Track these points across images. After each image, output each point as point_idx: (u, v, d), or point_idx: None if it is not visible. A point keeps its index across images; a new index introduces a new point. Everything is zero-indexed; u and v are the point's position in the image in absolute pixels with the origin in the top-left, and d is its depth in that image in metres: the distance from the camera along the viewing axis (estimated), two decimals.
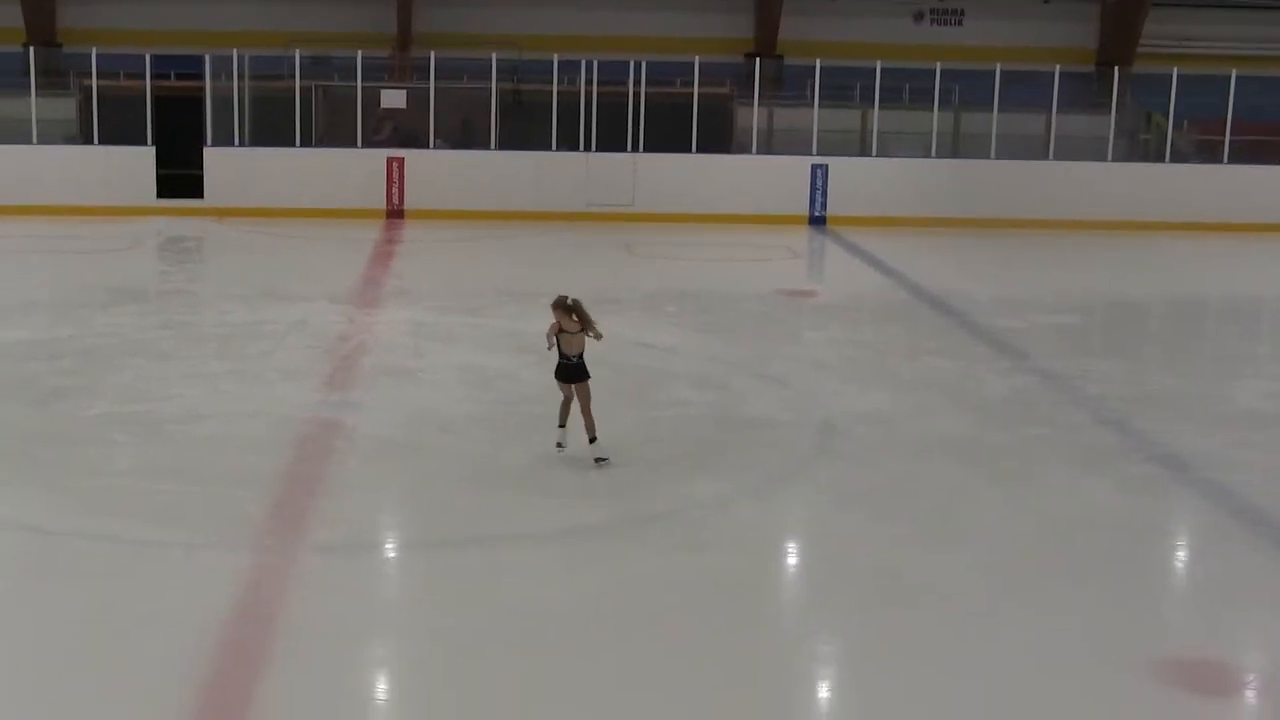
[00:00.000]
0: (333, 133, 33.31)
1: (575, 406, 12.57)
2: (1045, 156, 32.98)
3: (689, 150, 32.18)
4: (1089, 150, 33.09)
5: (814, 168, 32.03)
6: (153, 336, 18.27)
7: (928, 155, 33.08)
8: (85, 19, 36.25)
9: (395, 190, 31.43)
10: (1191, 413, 15.48)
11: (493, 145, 32.39)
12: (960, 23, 38.79)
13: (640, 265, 26.98)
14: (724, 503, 12.06)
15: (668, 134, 32.27)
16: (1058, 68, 32.68)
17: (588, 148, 32.29)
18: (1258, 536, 11.85)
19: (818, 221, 31.89)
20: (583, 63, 32.19)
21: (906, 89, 33.68)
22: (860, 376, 16.81)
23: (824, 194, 32.00)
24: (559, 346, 12.43)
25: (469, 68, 33.17)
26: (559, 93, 31.99)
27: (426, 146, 32.39)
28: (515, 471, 12.43)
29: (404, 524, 11.72)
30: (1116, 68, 34.39)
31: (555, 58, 31.97)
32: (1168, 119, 33.37)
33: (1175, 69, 32.88)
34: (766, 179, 32.30)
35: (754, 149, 33.06)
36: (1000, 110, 32.44)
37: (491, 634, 9.17)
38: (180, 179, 31.18)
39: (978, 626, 9.49)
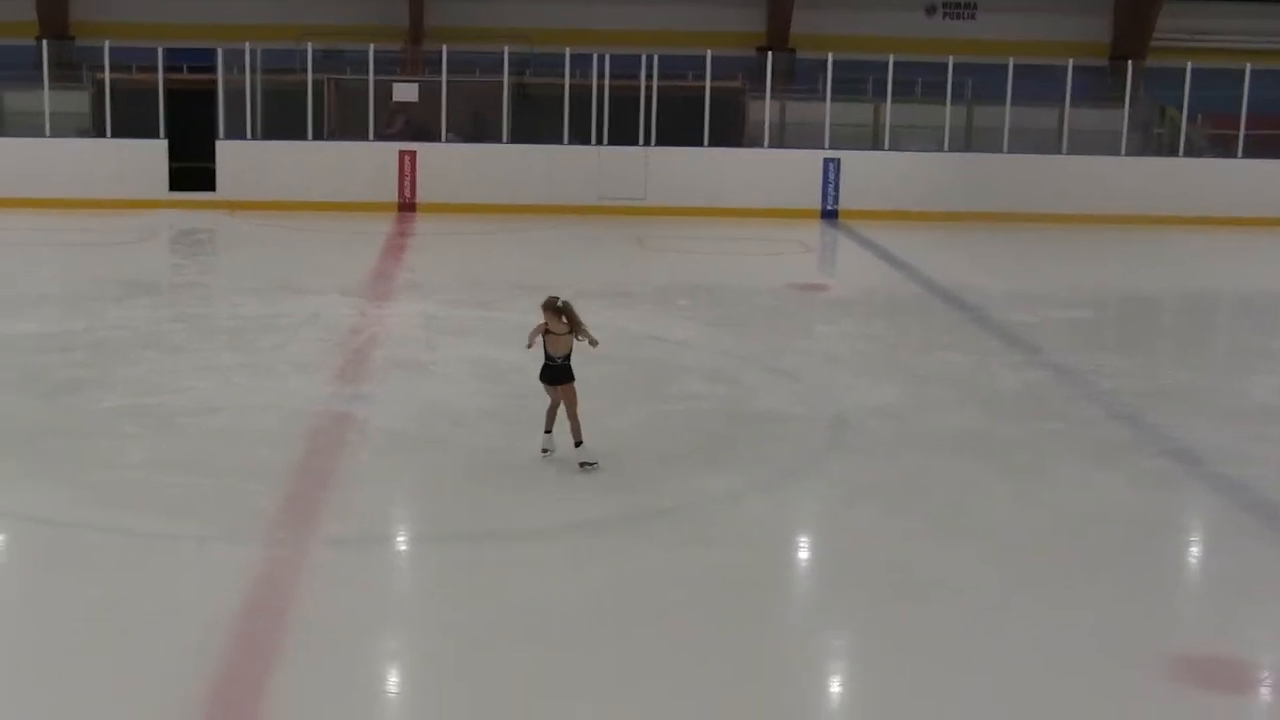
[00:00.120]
0: (345, 126, 33.31)
1: (563, 411, 12.39)
2: (1058, 151, 32.91)
3: (701, 144, 32.13)
4: (1102, 144, 33.01)
5: (826, 162, 31.98)
6: (165, 329, 18.28)
7: (940, 149, 32.99)
8: (98, 12, 36.25)
9: (407, 184, 31.41)
10: (1205, 407, 15.44)
11: (504, 139, 32.35)
12: (973, 16, 38.70)
13: (652, 259, 26.96)
14: (735, 497, 12.04)
15: (679, 128, 32.23)
16: (1071, 62, 32.59)
17: (599, 141, 32.26)
18: (1272, 531, 11.83)
19: (830, 215, 31.84)
20: (594, 56, 32.17)
21: (919, 83, 33.58)
22: (872, 371, 16.79)
23: (836, 188, 31.94)
24: (545, 347, 12.22)
25: (480, 61, 33.15)
26: (571, 86, 31.96)
27: (438, 140, 32.37)
28: (527, 465, 12.42)
29: (415, 517, 11.72)
30: (1130, 61, 34.28)
31: (567, 51, 31.94)
32: (1181, 113, 33.28)
33: (1189, 63, 32.78)
34: (778, 173, 32.25)
35: (766, 143, 32.99)
36: (1013, 104, 32.36)
37: (502, 628, 9.15)
38: (192, 172, 31.18)
39: (989, 621, 9.47)
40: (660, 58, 32.29)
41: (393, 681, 8.69)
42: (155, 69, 31.24)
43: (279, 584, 9.90)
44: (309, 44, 31.93)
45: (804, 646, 9.21)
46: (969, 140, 34.10)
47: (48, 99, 31.31)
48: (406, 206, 31.31)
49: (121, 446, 13.02)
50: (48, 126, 31.33)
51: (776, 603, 9.99)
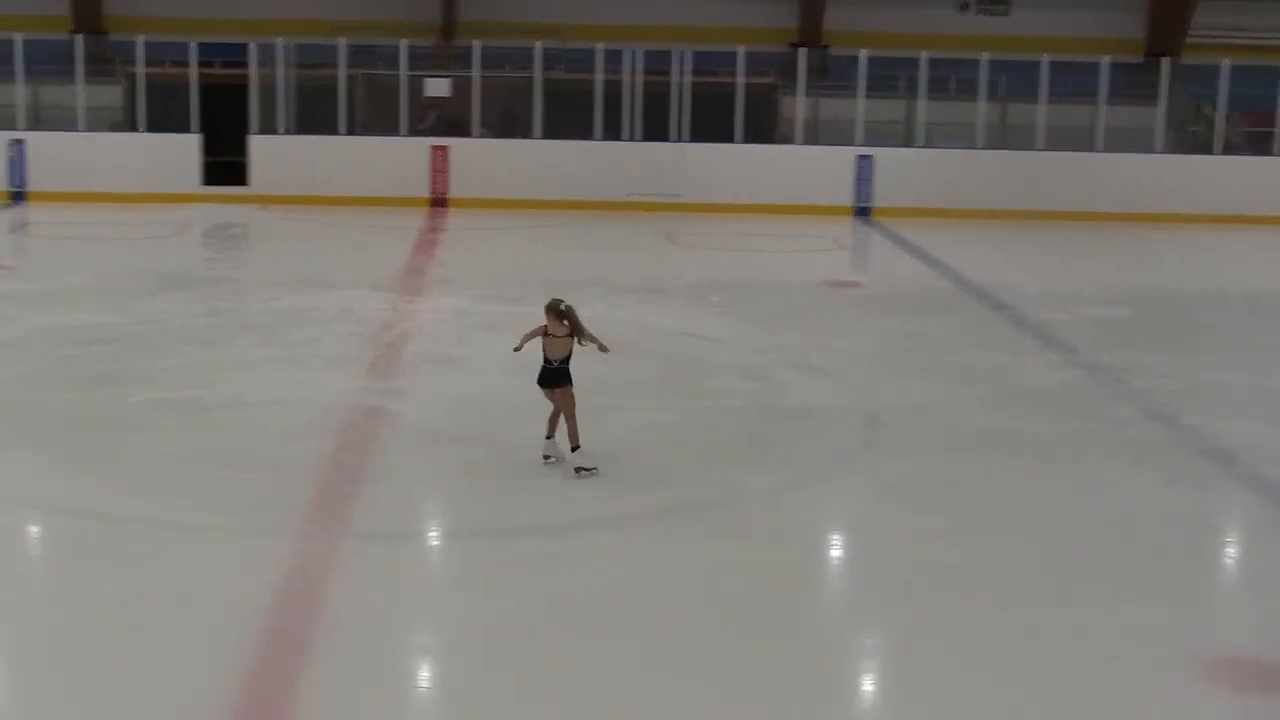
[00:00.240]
0: (376, 121, 33.30)
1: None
2: (1092, 148, 32.75)
3: (733, 140, 32.09)
4: (1137, 142, 32.86)
5: (859, 158, 31.88)
6: (198, 323, 18.32)
7: (973, 146, 32.88)
8: (131, 7, 36.30)
9: (439, 178, 31.40)
10: (1242, 407, 15.35)
11: (537, 134, 32.34)
12: (1006, 13, 38.56)
13: (684, 255, 26.91)
14: (767, 494, 12.01)
15: (712, 124, 32.17)
16: (1106, 59, 32.47)
17: (631, 137, 32.24)
18: None
19: (862, 213, 31.75)
20: (627, 52, 32.13)
21: (952, 79, 33.49)
22: (905, 368, 16.73)
23: (869, 185, 31.85)
24: (544, 350, 11.99)
25: (512, 57, 33.13)
26: (603, 82, 31.93)
27: (470, 135, 32.36)
28: (558, 461, 12.39)
29: (446, 512, 11.70)
30: (1165, 58, 34.13)
31: (599, 47, 31.92)
32: (1217, 110, 33.11)
33: (1225, 60, 32.64)
34: (811, 169, 32.16)
35: (799, 139, 32.92)
36: (1047, 101, 32.24)
37: (533, 622, 9.14)
38: (225, 166, 31.23)
39: (1022, 621, 9.41)
40: (693, 54, 32.25)
41: (424, 676, 8.69)
42: (188, 64, 31.30)
43: (310, 578, 9.89)
44: (341, 39, 31.94)
45: (836, 643, 9.18)
46: (1002, 137, 33.98)
47: (82, 93, 31.41)
48: (438, 202, 31.30)
49: (154, 439, 13.03)
50: (82, 121, 31.43)
51: (809, 599, 9.97)
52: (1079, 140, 32.95)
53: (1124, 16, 38.27)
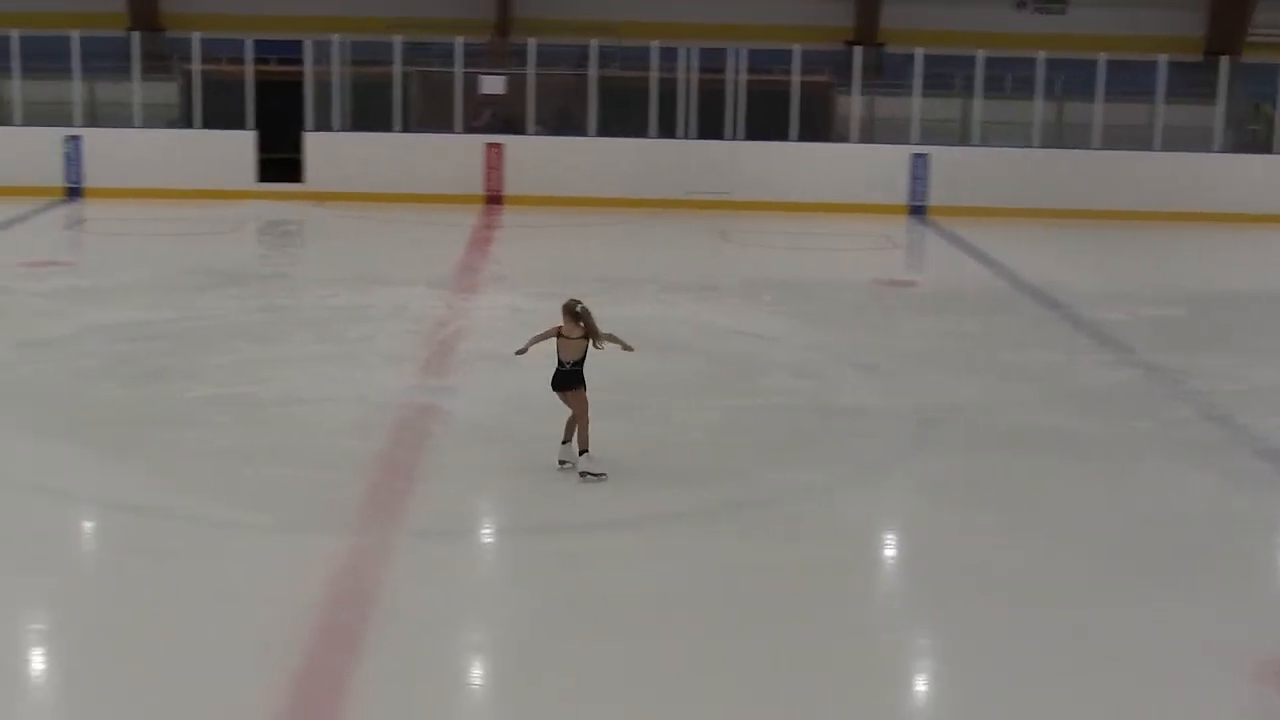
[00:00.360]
0: (431, 118, 33.35)
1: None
2: (1150, 147, 32.53)
3: (788, 139, 32.01)
4: (1195, 141, 32.64)
5: (914, 157, 31.76)
6: (253, 319, 18.36)
7: (1029, 145, 32.71)
8: (188, 4, 36.47)
9: (493, 176, 31.43)
10: None
11: (591, 132, 32.32)
12: (1063, 11, 38.37)
13: (738, 253, 26.86)
14: (819, 492, 12.00)
15: (767, 122, 32.10)
16: (1164, 57, 32.27)
17: (686, 135, 32.20)
18: None
19: (918, 211, 31.62)
20: (682, 50, 32.10)
21: (1008, 78, 33.34)
22: (959, 367, 16.66)
23: (924, 183, 31.73)
24: (558, 353, 11.87)
25: (567, 54, 33.14)
26: (658, 80, 31.90)
27: (525, 132, 32.38)
28: (610, 457, 12.35)
29: (499, 509, 11.70)
30: (1225, 57, 33.88)
31: (654, 45, 31.90)
32: (1276, 109, 32.86)
33: None
34: (866, 168, 32.05)
35: (854, 138, 32.82)
36: (1104, 100, 32.06)
37: (584, 619, 9.15)
38: (280, 163, 31.31)
39: (1073, 621, 9.37)
40: (748, 52, 32.17)
41: (475, 673, 8.68)
42: (244, 61, 31.40)
43: (362, 575, 9.91)
44: (396, 36, 32.01)
45: (885, 641, 9.16)
46: (1059, 136, 33.80)
47: (138, 90, 31.56)
48: (493, 199, 31.33)
49: (208, 435, 13.07)
50: (138, 118, 31.58)
51: (859, 597, 9.95)
52: (1136, 139, 32.74)
53: (1183, 15, 38.03)
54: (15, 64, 31.10)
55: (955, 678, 8.67)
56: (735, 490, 11.97)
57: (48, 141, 30.61)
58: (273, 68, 32.45)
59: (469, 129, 32.27)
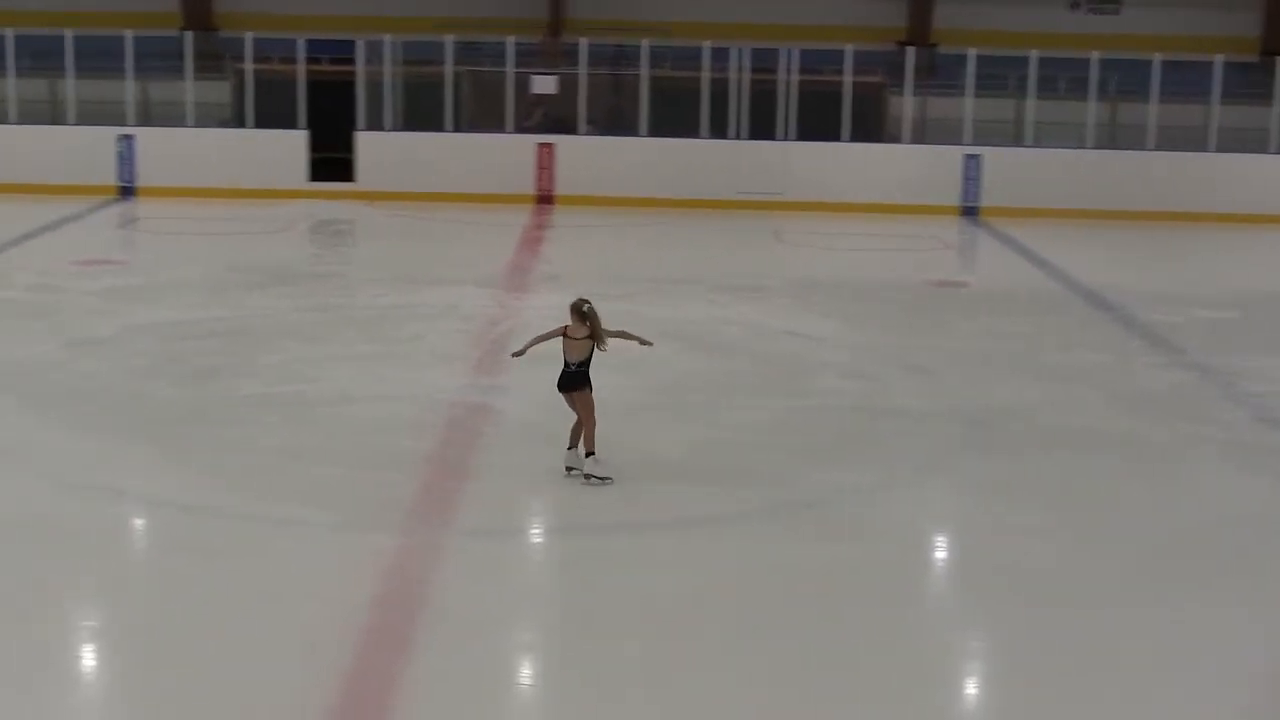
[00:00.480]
0: (483, 118, 33.38)
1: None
2: (1205, 148, 32.33)
3: (840, 139, 31.93)
4: (1251, 142, 32.39)
5: (967, 158, 31.62)
6: (303, 319, 18.40)
7: (1083, 146, 32.54)
8: (241, 4, 36.61)
9: (545, 175, 31.45)
10: None
11: (642, 132, 32.30)
12: (1118, 11, 38.17)
13: (789, 253, 26.82)
14: (868, 493, 11.97)
15: (818, 122, 32.01)
16: (1220, 58, 32.07)
17: (738, 135, 32.15)
18: None
19: (970, 212, 31.49)
20: (733, 50, 32.05)
21: (1062, 79, 33.16)
22: (1010, 369, 16.59)
23: (976, 184, 31.59)
24: (563, 353, 11.78)
25: (619, 54, 33.12)
26: (710, 80, 31.86)
27: (576, 132, 32.38)
28: (663, 458, 12.38)
29: (549, 509, 11.69)
30: None
31: (706, 45, 31.86)
32: None
33: None
34: (918, 169, 31.94)
35: (906, 138, 32.71)
36: (1158, 101, 31.87)
37: (633, 619, 9.15)
38: (331, 163, 31.40)
39: (1122, 624, 9.34)
40: (800, 52, 32.09)
41: (524, 673, 8.68)
42: (296, 60, 31.50)
43: (412, 574, 9.92)
44: (448, 36, 32.05)
45: (933, 644, 9.14)
46: (1113, 137, 33.62)
47: (191, 90, 31.68)
48: (544, 198, 31.34)
49: (259, 434, 13.12)
50: (190, 117, 31.71)
51: (907, 600, 9.92)
52: (1191, 140, 32.52)
53: (1239, 15, 37.78)
54: (69, 63, 31.28)
55: (997, 679, 8.67)
56: (782, 491, 11.94)
57: (101, 141, 30.75)
58: (325, 67, 32.54)
59: (520, 129, 32.28)
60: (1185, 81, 32.14)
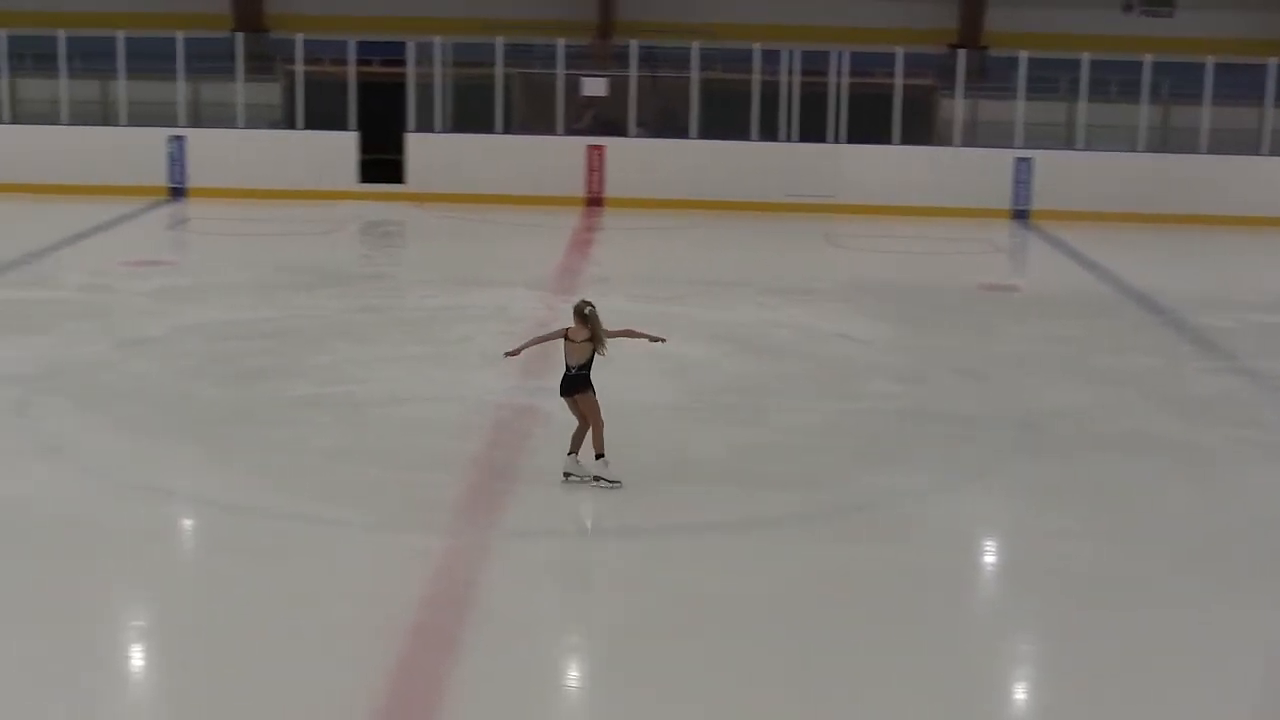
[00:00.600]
0: (533, 120, 33.41)
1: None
2: (1258, 152, 32.13)
3: (890, 142, 31.85)
4: None
5: (1018, 161, 31.50)
6: (353, 320, 18.44)
7: (1135, 149, 32.37)
8: (291, 5, 36.70)
9: (595, 178, 31.45)
10: None
11: (693, 134, 32.27)
12: (1171, 14, 37.92)
13: (840, 256, 26.76)
14: (919, 496, 11.92)
15: (869, 125, 31.93)
16: (1273, 60, 31.86)
17: (788, 138, 32.09)
18: None
19: (1021, 215, 31.36)
20: (784, 52, 32.00)
21: (1114, 81, 32.98)
22: (1061, 372, 16.50)
23: (1028, 187, 31.46)
24: (564, 356, 11.68)
25: (669, 56, 33.10)
26: (760, 82, 31.82)
27: (626, 134, 32.37)
28: (709, 460, 12.35)
29: (597, 511, 11.65)
30: None
31: (756, 47, 31.81)
32: None
33: None
34: (969, 172, 31.81)
35: (957, 141, 32.60)
36: (1211, 104, 31.67)
37: (680, 621, 9.15)
38: (382, 164, 31.47)
39: (1170, 625, 9.29)
40: (850, 54, 32.01)
41: (571, 674, 8.66)
42: (347, 62, 31.58)
43: (459, 575, 9.92)
44: (498, 38, 32.08)
45: (984, 646, 9.11)
46: (1165, 140, 33.43)
47: (241, 91, 31.80)
48: (594, 201, 31.34)
49: (307, 435, 13.14)
50: (241, 118, 31.83)
51: (958, 602, 9.90)
52: (1244, 143, 32.30)
53: None
54: (120, 65, 31.43)
55: (1048, 682, 8.62)
56: (833, 494, 11.92)
57: (152, 141, 30.91)
58: (375, 69, 32.62)
59: (570, 130, 32.29)
60: (1238, 84, 31.94)
